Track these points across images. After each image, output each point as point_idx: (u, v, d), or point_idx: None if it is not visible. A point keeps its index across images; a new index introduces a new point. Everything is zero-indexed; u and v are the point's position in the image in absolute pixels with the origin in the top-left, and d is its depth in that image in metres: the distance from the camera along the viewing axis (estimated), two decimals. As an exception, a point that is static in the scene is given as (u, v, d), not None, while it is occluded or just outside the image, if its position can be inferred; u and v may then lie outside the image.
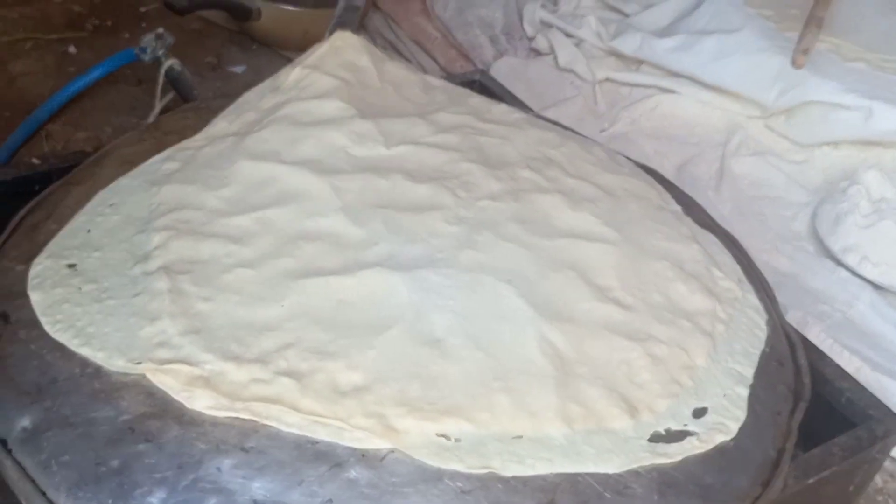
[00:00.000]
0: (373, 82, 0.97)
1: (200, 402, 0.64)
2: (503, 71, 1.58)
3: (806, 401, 0.78)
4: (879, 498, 0.99)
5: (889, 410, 0.82)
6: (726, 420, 0.72)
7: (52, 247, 0.76)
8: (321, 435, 0.63)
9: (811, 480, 0.75)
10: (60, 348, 0.68)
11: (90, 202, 0.81)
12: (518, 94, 1.46)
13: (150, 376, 0.65)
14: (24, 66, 1.48)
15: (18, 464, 0.62)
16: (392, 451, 0.63)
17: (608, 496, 0.64)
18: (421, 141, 0.90)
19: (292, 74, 0.95)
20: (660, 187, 0.97)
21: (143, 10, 1.67)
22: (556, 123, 1.07)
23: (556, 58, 1.61)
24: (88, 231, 0.78)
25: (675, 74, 1.51)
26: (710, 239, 0.91)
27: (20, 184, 0.93)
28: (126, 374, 0.66)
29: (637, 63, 1.60)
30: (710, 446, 0.69)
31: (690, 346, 0.76)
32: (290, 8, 1.57)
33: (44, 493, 0.61)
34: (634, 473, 0.66)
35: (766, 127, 1.45)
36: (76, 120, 1.37)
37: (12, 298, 0.72)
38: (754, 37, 1.46)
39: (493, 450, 0.64)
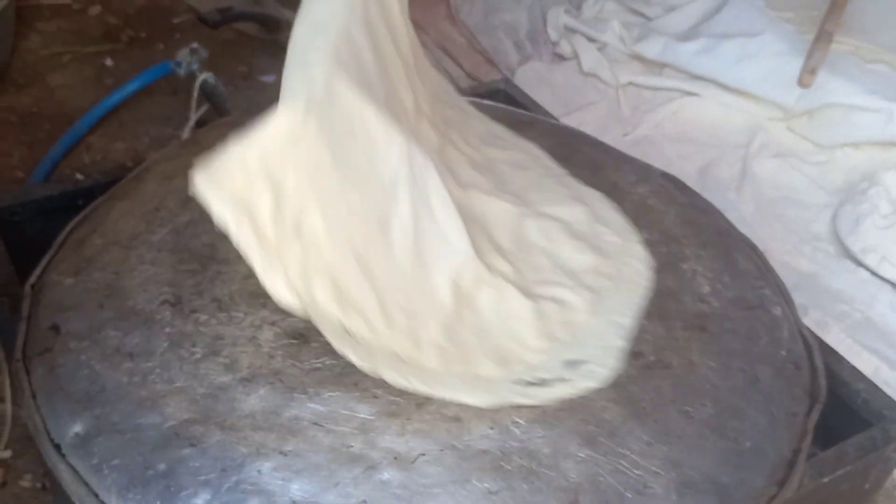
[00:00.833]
0: None
1: None
2: (528, 76, 1.61)
3: (822, 402, 0.80)
4: (897, 494, 1.01)
5: (903, 411, 0.84)
6: (598, 368, 0.74)
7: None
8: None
9: (826, 479, 0.78)
10: (108, 358, 0.72)
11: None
12: (542, 99, 1.49)
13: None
14: (62, 79, 1.52)
15: (72, 467, 0.66)
16: (423, 454, 0.66)
17: (629, 496, 0.67)
18: None
19: None
20: (545, 157, 0.99)
21: (176, 21, 1.72)
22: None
23: (579, 63, 1.64)
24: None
25: (698, 77, 1.54)
26: (595, 196, 0.94)
27: (65, 198, 0.97)
28: (171, 384, 0.69)
29: (660, 67, 1.62)
30: (576, 391, 0.72)
31: (572, 302, 0.79)
32: (319, 18, 1.60)
33: (96, 495, 0.65)
34: (654, 474, 0.69)
35: (788, 129, 1.47)
36: (114, 131, 1.41)
37: (62, 311, 0.76)
38: (775, 40, 1.48)
39: (380, 359, 0.70)
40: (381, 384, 0.70)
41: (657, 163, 1.11)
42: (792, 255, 1.28)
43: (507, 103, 1.13)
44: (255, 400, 0.68)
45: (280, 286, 0.71)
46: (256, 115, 1.02)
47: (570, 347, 0.76)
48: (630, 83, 1.61)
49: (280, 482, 0.64)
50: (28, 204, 0.96)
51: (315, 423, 0.67)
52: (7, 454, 0.95)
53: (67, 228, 0.87)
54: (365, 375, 0.70)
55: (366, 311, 0.71)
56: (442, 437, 0.67)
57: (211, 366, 0.71)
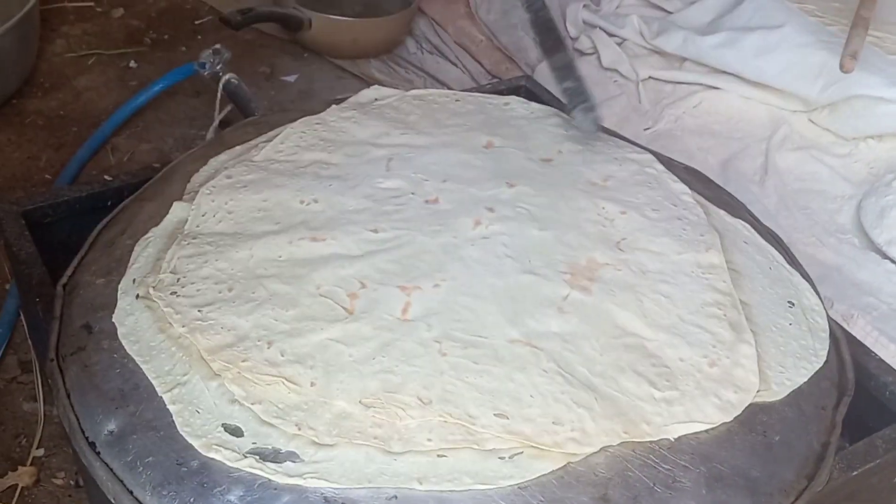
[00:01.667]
0: None
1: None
2: (548, 73, 1.60)
3: (850, 395, 0.80)
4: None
5: (933, 403, 0.84)
6: None
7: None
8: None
9: (855, 473, 0.77)
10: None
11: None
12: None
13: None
14: (88, 82, 1.54)
15: (106, 465, 0.67)
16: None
17: (658, 490, 0.67)
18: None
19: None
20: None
21: (198, 22, 1.73)
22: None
23: (599, 58, 1.63)
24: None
25: (718, 71, 1.53)
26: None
27: (94, 199, 0.98)
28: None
29: (680, 61, 1.61)
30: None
31: None
32: (340, 17, 1.61)
33: (131, 492, 0.66)
34: (683, 468, 0.69)
35: (810, 121, 1.46)
36: (139, 133, 1.43)
37: (95, 311, 0.77)
38: (797, 32, 1.47)
39: None
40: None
41: (679, 157, 1.11)
42: (816, 248, 1.27)
43: (528, 99, 1.13)
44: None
45: None
46: (281, 115, 1.04)
47: None
48: (650, 77, 1.61)
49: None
50: (58, 205, 0.97)
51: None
52: (40, 452, 0.97)
53: (97, 229, 0.88)
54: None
55: None
56: (471, 432, 0.68)
57: (242, 363, 0.71)
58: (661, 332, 0.78)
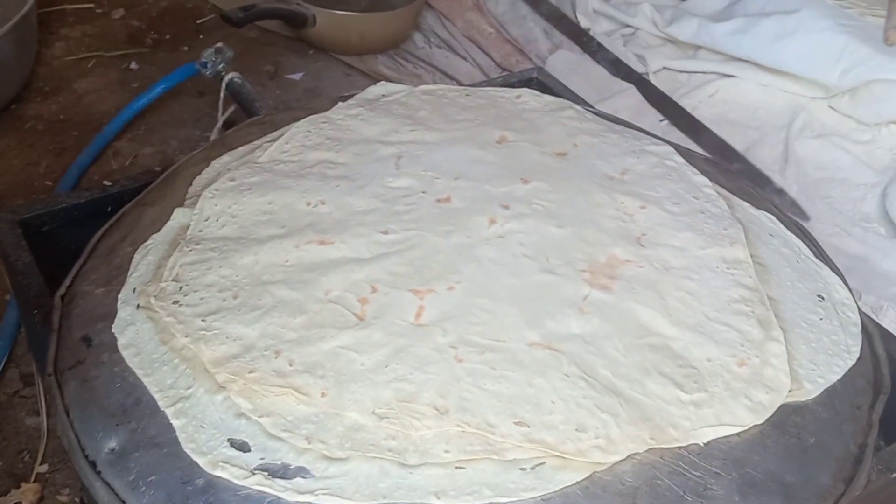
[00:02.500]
0: None
1: None
2: (559, 65, 1.58)
3: (886, 393, 0.77)
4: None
5: (973, 399, 0.80)
6: None
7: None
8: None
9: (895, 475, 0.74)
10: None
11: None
12: (575, 87, 1.46)
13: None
14: (88, 84, 1.51)
15: (108, 485, 0.64)
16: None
17: (689, 499, 0.64)
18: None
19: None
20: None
21: (200, 22, 1.70)
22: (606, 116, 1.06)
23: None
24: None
25: (734, 59, 1.50)
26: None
27: (94, 205, 0.95)
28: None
29: (694, 49, 1.58)
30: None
31: None
32: (345, 13, 1.58)
33: (134, 513, 0.63)
34: (714, 474, 0.65)
35: (830, 108, 1.43)
36: (142, 136, 1.40)
37: (94, 322, 0.74)
38: (814, 16, 1.43)
39: None
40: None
41: (695, 148, 1.08)
42: (840, 238, 1.24)
43: (540, 91, 1.09)
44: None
45: None
46: (285, 114, 1.01)
47: None
48: (664, 68, 1.58)
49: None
50: (56, 213, 0.94)
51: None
52: (44, 468, 0.94)
53: (96, 236, 0.85)
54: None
55: None
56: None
57: (248, 375, 0.68)
58: (687, 331, 0.74)
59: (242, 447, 0.64)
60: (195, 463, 0.63)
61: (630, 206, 0.87)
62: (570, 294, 0.75)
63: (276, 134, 0.95)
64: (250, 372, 0.67)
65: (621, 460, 0.65)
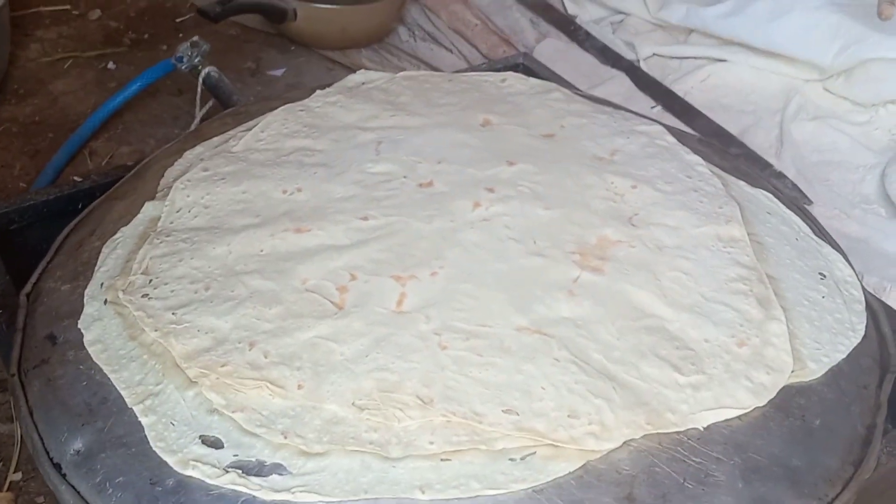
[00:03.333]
0: None
1: None
2: (547, 53, 1.54)
3: (894, 372, 0.74)
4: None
5: None
6: None
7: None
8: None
9: (906, 457, 0.71)
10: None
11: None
12: (564, 75, 1.42)
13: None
14: (64, 86, 1.47)
15: (73, 488, 0.61)
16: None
17: (689, 486, 0.61)
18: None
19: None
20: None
21: (179, 20, 1.66)
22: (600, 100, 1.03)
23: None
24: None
25: (725, 42, 1.46)
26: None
27: (64, 203, 0.92)
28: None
29: (685, 34, 1.55)
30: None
31: None
32: (327, 6, 1.54)
33: (101, 517, 0.59)
34: (715, 460, 0.62)
35: (825, 89, 1.39)
36: (119, 135, 1.36)
37: (60, 319, 0.71)
38: (809, -5, 1.40)
39: None
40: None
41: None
42: (840, 220, 1.20)
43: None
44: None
45: None
46: (262, 104, 0.98)
47: None
48: (654, 55, 1.54)
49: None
50: (25, 210, 0.90)
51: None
52: (17, 476, 0.90)
53: (64, 232, 0.82)
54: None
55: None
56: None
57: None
58: (683, 312, 0.71)
59: (215, 444, 0.60)
60: (165, 462, 0.60)
61: (620, 185, 0.83)
62: (559, 277, 0.72)
63: (251, 123, 0.92)
64: (223, 365, 0.64)
65: (617, 448, 0.61)
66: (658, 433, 0.62)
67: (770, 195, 0.88)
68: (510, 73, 1.04)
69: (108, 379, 0.65)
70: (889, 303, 1.03)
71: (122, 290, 0.70)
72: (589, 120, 0.94)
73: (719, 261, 0.76)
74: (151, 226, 0.78)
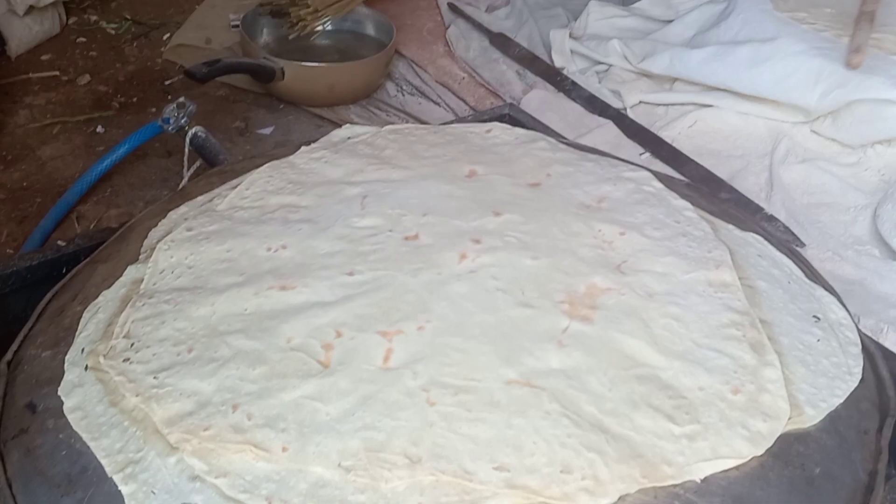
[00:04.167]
0: None
1: None
2: (534, 103, 1.55)
3: (893, 415, 0.72)
4: None
5: None
6: None
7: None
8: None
9: (910, 502, 0.69)
10: (90, 434, 0.64)
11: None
12: (551, 125, 1.42)
13: None
14: (52, 151, 1.47)
15: (53, 562, 0.59)
16: None
17: (688, 541, 0.59)
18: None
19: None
20: None
21: (167, 83, 1.67)
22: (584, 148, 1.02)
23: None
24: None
25: (711, 88, 1.47)
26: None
27: (47, 268, 0.91)
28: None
29: (670, 81, 1.55)
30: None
31: None
32: (313, 64, 1.55)
33: (80, 593, 0.57)
34: (713, 510, 0.60)
35: (812, 132, 1.40)
36: (107, 198, 1.36)
37: (40, 387, 0.69)
38: (789, 41, 1.41)
39: None
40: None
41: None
42: (834, 262, 1.20)
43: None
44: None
45: None
46: (247, 162, 0.97)
47: None
48: (640, 102, 1.55)
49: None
50: (7, 277, 0.89)
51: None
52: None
53: (46, 298, 0.81)
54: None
55: None
56: None
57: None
58: (676, 360, 0.69)
59: (197, 512, 0.58)
60: (147, 532, 0.58)
61: (608, 233, 0.82)
62: (548, 327, 0.71)
63: (236, 181, 0.91)
64: (205, 429, 0.62)
65: (612, 503, 0.59)
66: (654, 486, 0.61)
67: (761, 238, 0.87)
68: (495, 124, 1.03)
69: (88, 447, 0.63)
70: (886, 345, 1.02)
71: (103, 355, 0.69)
72: (575, 168, 0.94)
73: (710, 306, 0.75)
74: (134, 288, 0.77)
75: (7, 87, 1.56)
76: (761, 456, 0.64)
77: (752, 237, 0.87)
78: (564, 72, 1.65)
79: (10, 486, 0.63)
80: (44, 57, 1.71)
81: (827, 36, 1.41)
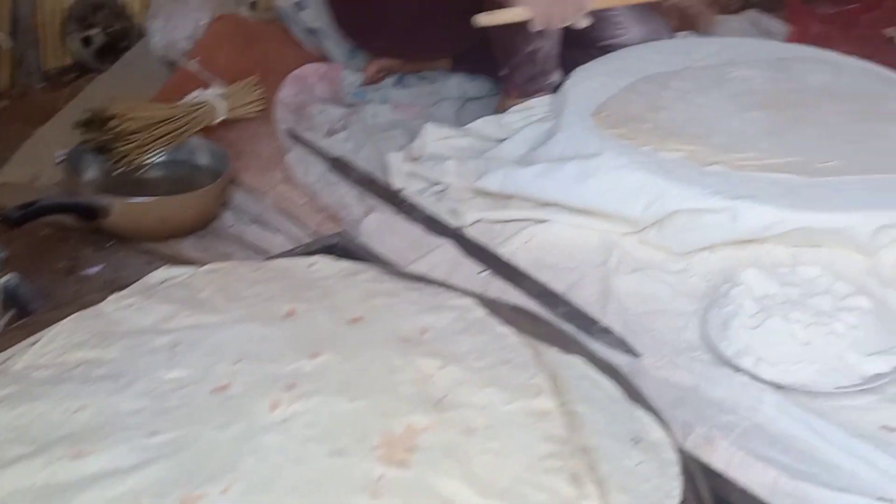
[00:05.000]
0: None
1: None
2: (373, 227, 1.54)
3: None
4: None
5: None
6: None
7: None
8: None
9: None
10: None
11: None
12: (390, 247, 1.42)
13: None
14: None
15: None
16: None
17: None
18: None
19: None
20: None
21: (-20, 227, 1.59)
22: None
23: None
24: None
25: (544, 204, 1.50)
26: None
27: None
28: None
29: (506, 198, 1.58)
30: None
31: None
32: (140, 199, 1.51)
33: None
34: None
35: (641, 241, 1.43)
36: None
37: None
38: (611, 155, 1.46)
39: None
40: None
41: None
42: (669, 370, 1.21)
43: (342, 257, 1.04)
44: None
45: None
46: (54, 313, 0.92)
47: None
48: (478, 220, 1.56)
49: None
50: None
51: None
52: None
53: None
54: None
55: None
56: None
57: None
58: (495, 499, 0.68)
59: None
60: None
61: (428, 367, 0.81)
62: (359, 477, 0.68)
63: (37, 336, 0.86)
64: None
65: None
66: None
67: (583, 360, 0.88)
68: (319, 257, 1.02)
69: None
70: (719, 452, 1.04)
71: None
72: (399, 298, 0.93)
73: (530, 437, 0.74)
74: None
75: None
76: None
77: (574, 359, 0.87)
78: (403, 193, 1.66)
79: None
80: None
81: (646, 150, 1.46)
